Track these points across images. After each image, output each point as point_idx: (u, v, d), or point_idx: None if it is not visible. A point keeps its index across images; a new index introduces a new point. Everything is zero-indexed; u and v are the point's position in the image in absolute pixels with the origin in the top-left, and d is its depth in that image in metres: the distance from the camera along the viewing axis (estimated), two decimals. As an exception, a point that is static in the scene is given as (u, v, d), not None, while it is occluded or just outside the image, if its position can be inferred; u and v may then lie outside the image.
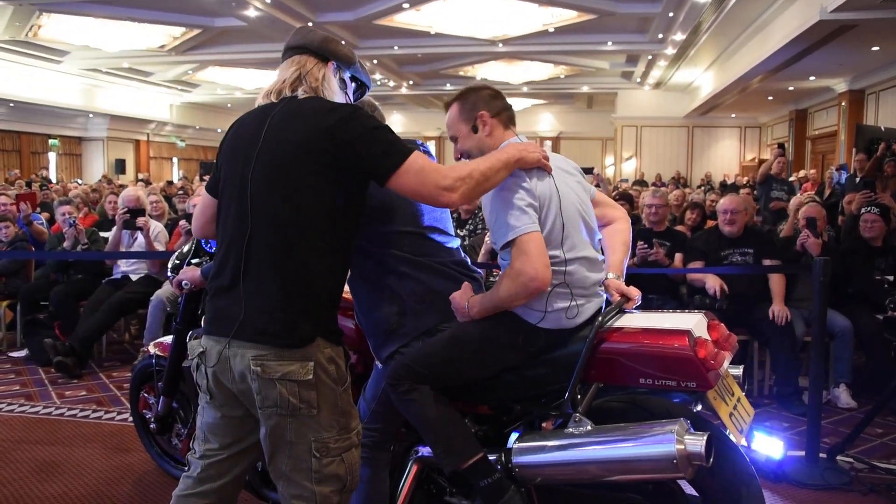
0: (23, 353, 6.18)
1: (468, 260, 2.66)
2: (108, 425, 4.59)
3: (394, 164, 1.94)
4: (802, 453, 3.81)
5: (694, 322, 2.23)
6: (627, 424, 2.13)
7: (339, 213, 1.97)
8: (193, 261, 3.23)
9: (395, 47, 17.38)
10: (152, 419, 3.63)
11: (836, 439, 3.96)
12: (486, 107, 2.44)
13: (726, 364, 2.26)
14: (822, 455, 3.78)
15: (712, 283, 4.92)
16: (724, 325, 2.35)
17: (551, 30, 15.69)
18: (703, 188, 15.29)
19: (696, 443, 1.97)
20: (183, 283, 2.95)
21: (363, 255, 2.51)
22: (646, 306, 5.02)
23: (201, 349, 2.05)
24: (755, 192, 9.61)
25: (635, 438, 2.06)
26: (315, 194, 1.94)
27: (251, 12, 13.61)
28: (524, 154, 2.22)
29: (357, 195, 2.05)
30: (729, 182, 18.43)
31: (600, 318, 2.26)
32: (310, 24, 14.79)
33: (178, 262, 3.32)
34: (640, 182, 19.68)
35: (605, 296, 2.43)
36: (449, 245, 2.62)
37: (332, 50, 2.20)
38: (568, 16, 14.86)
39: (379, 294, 2.49)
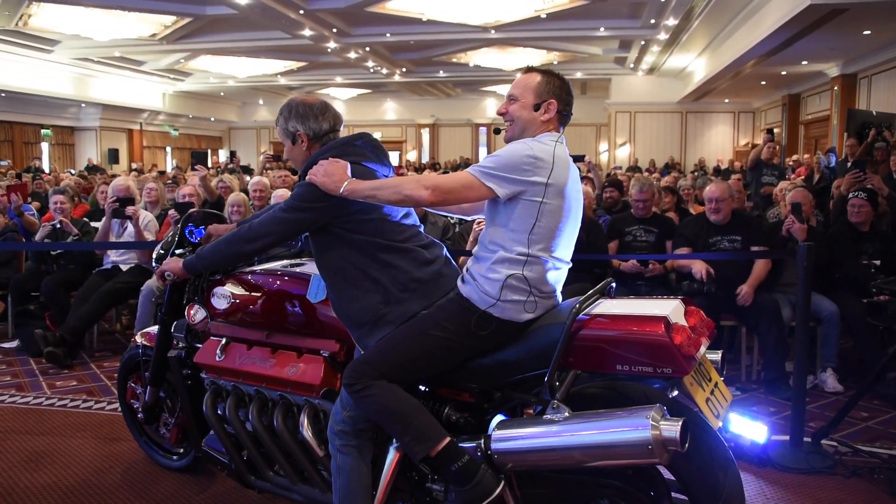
0: (13, 343, 6.17)
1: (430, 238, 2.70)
2: (98, 415, 4.60)
3: None
4: (787, 437, 3.84)
5: (671, 308, 2.24)
6: (604, 411, 2.16)
7: None
8: (177, 251, 3.23)
9: (388, 34, 17.31)
10: (140, 409, 3.65)
11: (823, 423, 3.98)
12: (558, 98, 2.49)
13: (703, 349, 2.27)
14: (806, 439, 3.81)
15: (698, 267, 4.95)
16: (702, 311, 2.36)
17: (543, 16, 15.62)
18: (696, 174, 15.28)
19: (672, 428, 2.00)
20: (165, 273, 2.95)
21: (343, 247, 2.52)
22: (634, 293, 5.11)
23: None
24: (746, 177, 9.62)
25: (611, 424, 2.09)
26: None
27: (242, 0, 13.54)
28: None
29: None
30: (723, 167, 18.43)
31: (578, 305, 2.27)
32: (301, 12, 14.72)
33: (162, 252, 3.32)
34: (634, 168, 19.70)
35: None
36: (421, 228, 2.67)
37: None
38: (560, 1, 14.81)
39: (360, 284, 2.50)
